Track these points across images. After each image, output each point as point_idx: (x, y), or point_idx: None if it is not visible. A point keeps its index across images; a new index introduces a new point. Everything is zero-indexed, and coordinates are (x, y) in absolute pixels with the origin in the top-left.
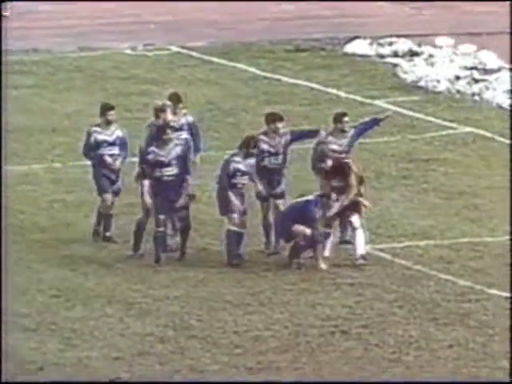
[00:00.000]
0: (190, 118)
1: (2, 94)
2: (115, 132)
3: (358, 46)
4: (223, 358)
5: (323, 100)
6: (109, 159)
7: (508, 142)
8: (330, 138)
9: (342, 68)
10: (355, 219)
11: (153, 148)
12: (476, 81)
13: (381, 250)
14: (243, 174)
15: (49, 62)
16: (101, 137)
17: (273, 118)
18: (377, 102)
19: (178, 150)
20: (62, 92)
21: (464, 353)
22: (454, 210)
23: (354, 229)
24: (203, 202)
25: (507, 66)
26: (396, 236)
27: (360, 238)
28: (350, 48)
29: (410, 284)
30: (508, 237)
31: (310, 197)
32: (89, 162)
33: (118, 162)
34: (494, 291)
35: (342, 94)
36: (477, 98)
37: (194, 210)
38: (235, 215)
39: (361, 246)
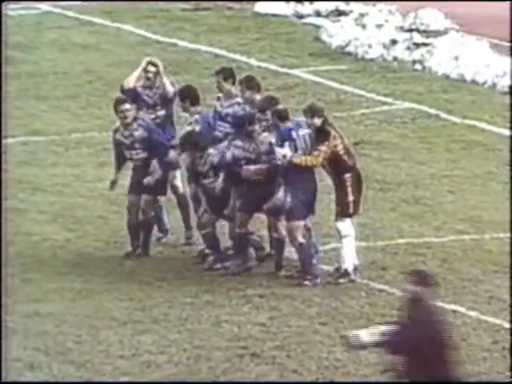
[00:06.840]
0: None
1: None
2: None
3: (272, 4)
4: None
5: None
6: None
7: (457, 120)
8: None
9: (253, 30)
10: (342, 225)
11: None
12: (417, 45)
13: None
14: None
15: None
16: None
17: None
18: (295, 71)
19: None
20: None
21: None
22: (389, 204)
23: (341, 237)
24: (81, 194)
25: (455, 26)
26: (318, 236)
27: (348, 247)
28: (262, 6)
29: (335, 295)
30: (454, 237)
31: None
32: None
33: None
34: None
35: (253, 61)
36: (418, 66)
37: (71, 204)
38: None
39: (348, 258)
